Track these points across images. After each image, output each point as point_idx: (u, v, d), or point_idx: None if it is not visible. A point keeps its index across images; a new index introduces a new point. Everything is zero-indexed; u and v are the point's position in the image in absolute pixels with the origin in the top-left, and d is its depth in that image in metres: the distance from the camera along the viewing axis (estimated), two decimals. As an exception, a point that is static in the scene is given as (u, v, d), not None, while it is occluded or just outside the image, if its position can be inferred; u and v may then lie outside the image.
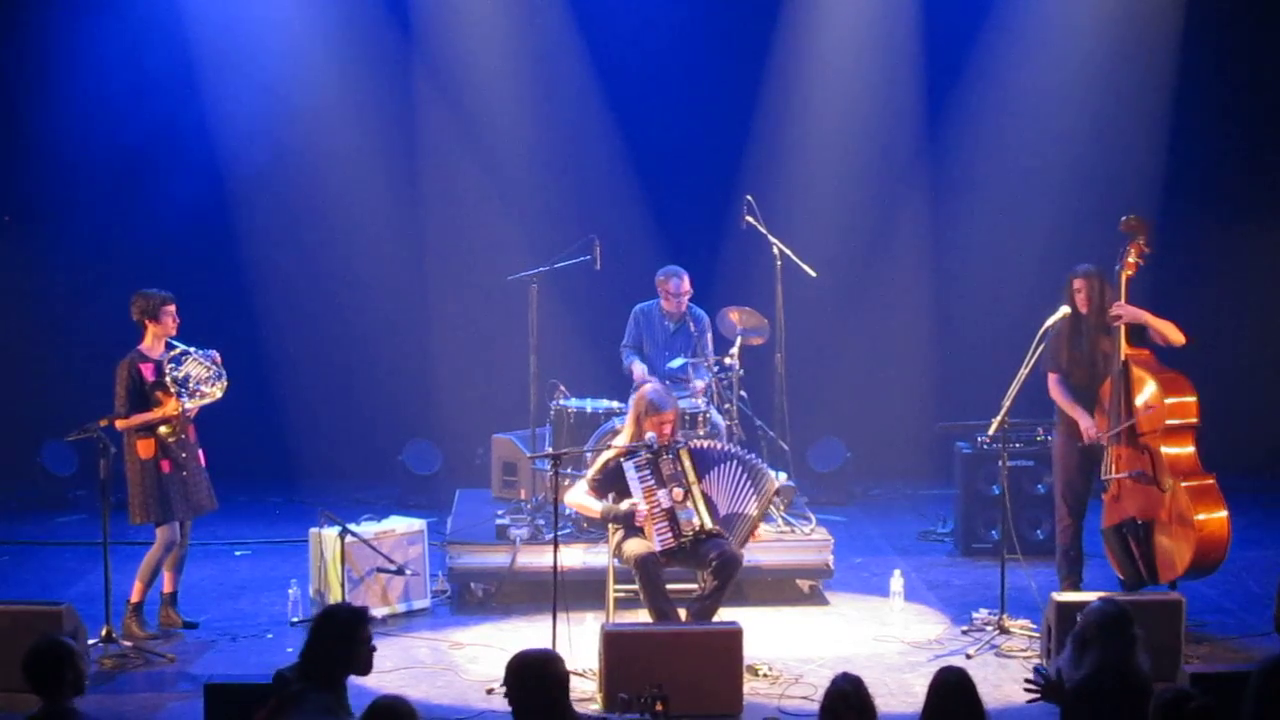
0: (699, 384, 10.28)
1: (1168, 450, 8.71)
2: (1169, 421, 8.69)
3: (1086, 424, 8.93)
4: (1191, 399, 8.74)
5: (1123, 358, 8.82)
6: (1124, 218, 8.89)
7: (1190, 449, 8.76)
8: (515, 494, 10.77)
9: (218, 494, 9.27)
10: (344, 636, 5.80)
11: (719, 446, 8.65)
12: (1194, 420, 8.76)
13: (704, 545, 8.32)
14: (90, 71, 12.69)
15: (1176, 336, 8.86)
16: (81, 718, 5.74)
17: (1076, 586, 9.06)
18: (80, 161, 12.89)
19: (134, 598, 9.00)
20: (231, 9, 12.75)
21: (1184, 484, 8.64)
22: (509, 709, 5.50)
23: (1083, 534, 9.21)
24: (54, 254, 13.17)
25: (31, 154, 12.96)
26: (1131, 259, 8.83)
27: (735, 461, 8.46)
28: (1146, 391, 8.77)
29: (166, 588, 9.17)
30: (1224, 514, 8.66)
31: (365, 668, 5.88)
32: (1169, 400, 8.69)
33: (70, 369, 12.59)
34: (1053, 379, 9.13)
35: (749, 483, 8.43)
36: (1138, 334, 8.90)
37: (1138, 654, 5.94)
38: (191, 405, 8.91)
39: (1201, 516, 8.58)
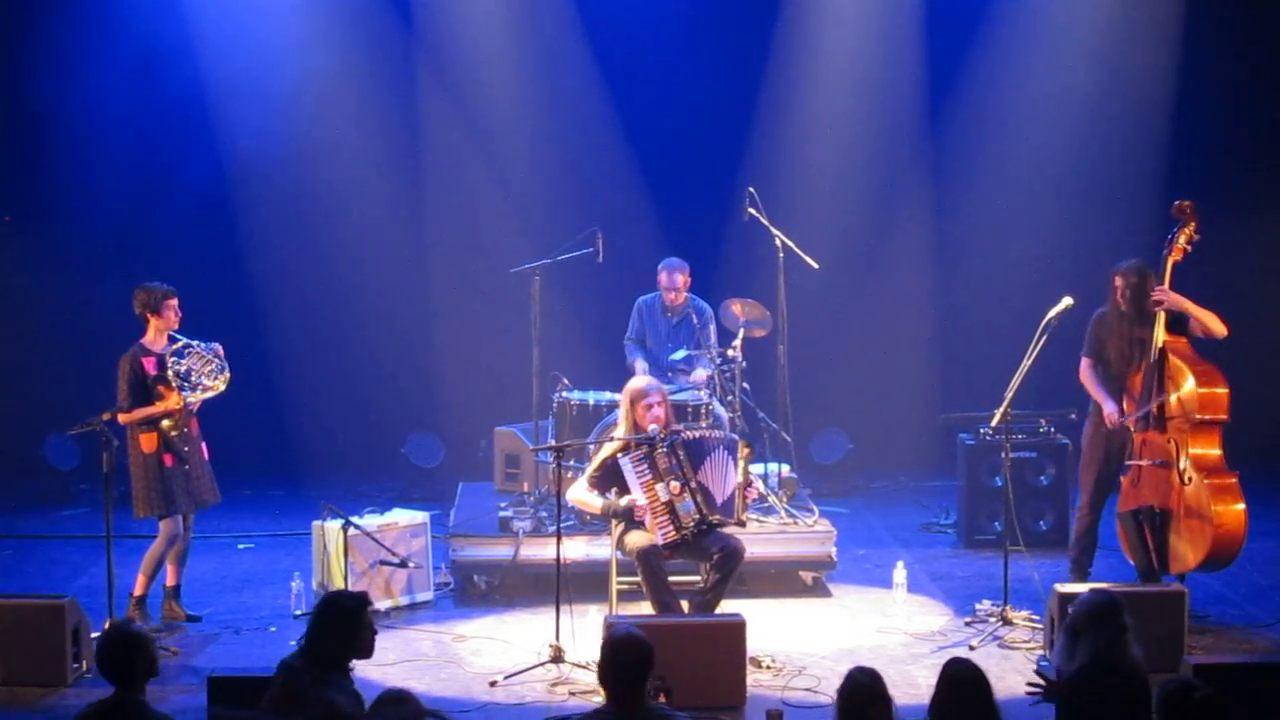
0: (701, 375, 10.30)
1: (1194, 447, 8.67)
2: (1199, 415, 8.65)
3: (1110, 409, 8.92)
4: (1224, 392, 8.67)
5: (1159, 344, 8.79)
6: (1176, 202, 8.83)
7: (1216, 449, 8.71)
8: (518, 486, 10.77)
9: (221, 487, 9.28)
10: (349, 622, 6.01)
11: (709, 435, 8.66)
12: (1224, 416, 8.71)
13: (706, 538, 8.33)
14: (93, 69, 12.68)
15: (1218, 327, 8.81)
16: (149, 712, 5.75)
17: (1085, 574, 9.08)
18: (82, 159, 12.89)
19: (137, 591, 9.02)
20: (236, 6, 12.73)
21: (1206, 481, 8.62)
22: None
23: (1099, 525, 9.22)
24: (56, 250, 13.17)
25: (33, 152, 12.95)
26: (1181, 244, 8.78)
27: (721, 448, 8.49)
28: (1181, 380, 8.72)
29: (169, 581, 9.18)
30: (1241, 508, 8.63)
31: (368, 651, 6.09)
32: (1202, 391, 8.65)
33: (72, 363, 12.59)
34: (1085, 364, 9.13)
35: (729, 459, 8.45)
36: (1177, 322, 8.86)
37: (1129, 643, 5.92)
38: (193, 399, 8.92)
39: (1219, 510, 8.56)
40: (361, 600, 6.17)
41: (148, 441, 8.89)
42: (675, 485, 8.31)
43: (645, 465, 8.35)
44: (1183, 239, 8.78)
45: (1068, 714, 5.85)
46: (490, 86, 13.17)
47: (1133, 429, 8.85)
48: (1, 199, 13.20)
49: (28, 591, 9.30)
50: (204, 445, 9.15)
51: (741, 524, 8.51)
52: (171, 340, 8.98)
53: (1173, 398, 8.75)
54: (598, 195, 12.92)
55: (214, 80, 12.83)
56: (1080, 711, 5.81)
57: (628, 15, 13.00)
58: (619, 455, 8.42)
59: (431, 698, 7.65)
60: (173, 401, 8.86)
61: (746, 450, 8.61)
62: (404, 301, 13.46)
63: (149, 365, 8.91)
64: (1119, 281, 9.01)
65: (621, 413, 8.65)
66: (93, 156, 12.87)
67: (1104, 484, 9.16)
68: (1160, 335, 8.78)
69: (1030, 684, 6.15)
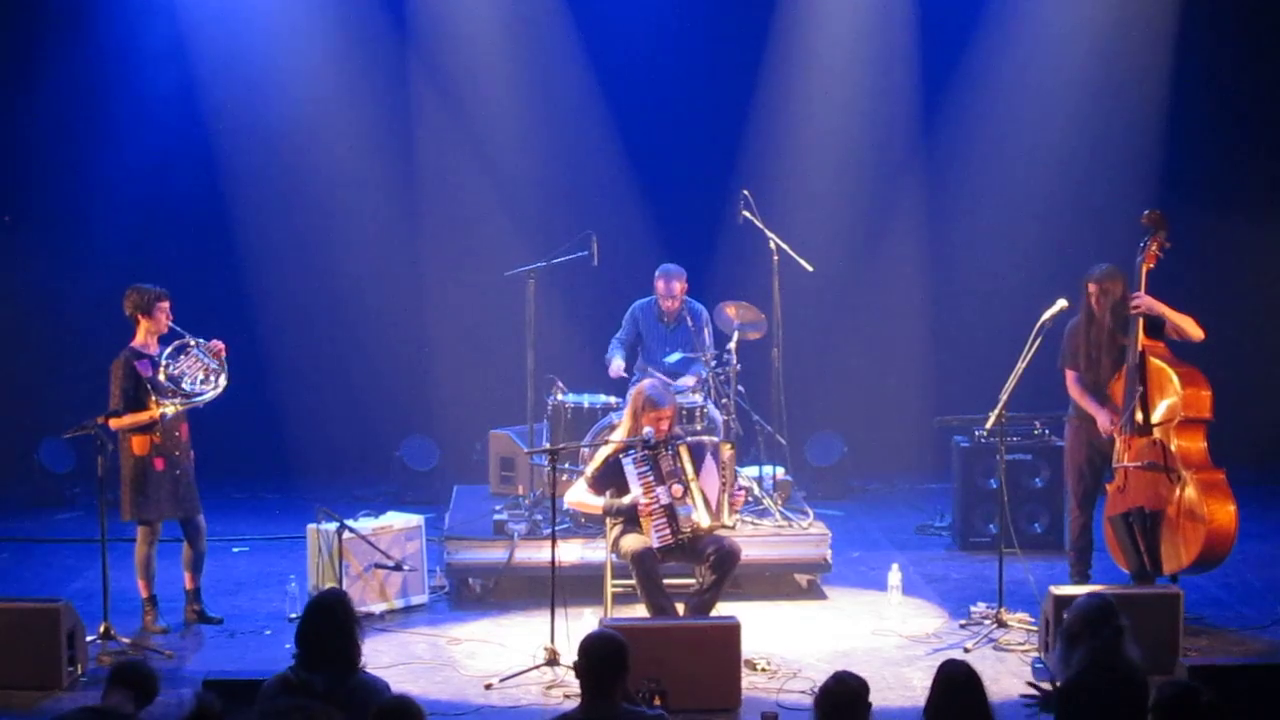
0: (696, 379, 10.30)
1: (1180, 443, 8.72)
2: (1184, 415, 8.70)
3: (1104, 419, 8.94)
4: (1207, 393, 8.75)
5: (1139, 349, 8.83)
6: (1146, 212, 8.96)
7: (1202, 443, 8.77)
8: (513, 489, 10.77)
9: (216, 490, 9.26)
10: (351, 617, 5.86)
11: (703, 440, 8.66)
12: (1208, 415, 8.77)
13: (701, 540, 8.34)
14: (87, 70, 12.67)
15: (1195, 331, 8.86)
16: None
17: (1085, 577, 9.10)
18: (77, 160, 12.87)
19: (143, 594, 9.04)
20: (232, 9, 12.72)
21: (1196, 476, 8.66)
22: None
23: (1092, 526, 9.24)
24: (52, 251, 13.14)
25: (28, 154, 12.94)
26: (1153, 250, 8.87)
27: (707, 451, 8.49)
28: (1165, 383, 8.77)
29: (188, 585, 9.21)
30: (1232, 508, 8.66)
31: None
32: (1186, 392, 8.70)
33: (68, 366, 12.57)
34: (1070, 376, 9.17)
35: (713, 462, 8.45)
36: (1154, 327, 8.91)
37: (1126, 645, 5.94)
38: (172, 410, 8.85)
39: (1211, 508, 8.59)
40: (343, 593, 6.12)
41: (140, 444, 8.88)
42: (677, 489, 8.31)
43: (648, 466, 8.35)
44: (1154, 246, 8.87)
45: (1068, 718, 5.86)
46: (485, 89, 13.16)
47: (1118, 436, 8.88)
48: (-1, 199, 13.24)
49: (22, 595, 9.30)
50: (191, 453, 9.11)
51: (727, 527, 8.51)
52: (174, 335, 8.96)
53: (1158, 400, 8.78)
54: (592, 198, 12.92)
55: (209, 83, 12.82)
56: (1080, 714, 5.81)
57: (622, 18, 12.99)
58: (621, 455, 8.42)
59: (426, 701, 7.58)
60: (153, 412, 8.83)
61: (730, 450, 8.61)
62: (399, 304, 13.45)
63: (142, 368, 8.88)
64: (1092, 288, 9.05)
65: (627, 412, 8.63)
66: (88, 159, 12.85)
67: (1090, 483, 9.20)
68: (1140, 339, 8.82)
69: (1026, 694, 6.16)
